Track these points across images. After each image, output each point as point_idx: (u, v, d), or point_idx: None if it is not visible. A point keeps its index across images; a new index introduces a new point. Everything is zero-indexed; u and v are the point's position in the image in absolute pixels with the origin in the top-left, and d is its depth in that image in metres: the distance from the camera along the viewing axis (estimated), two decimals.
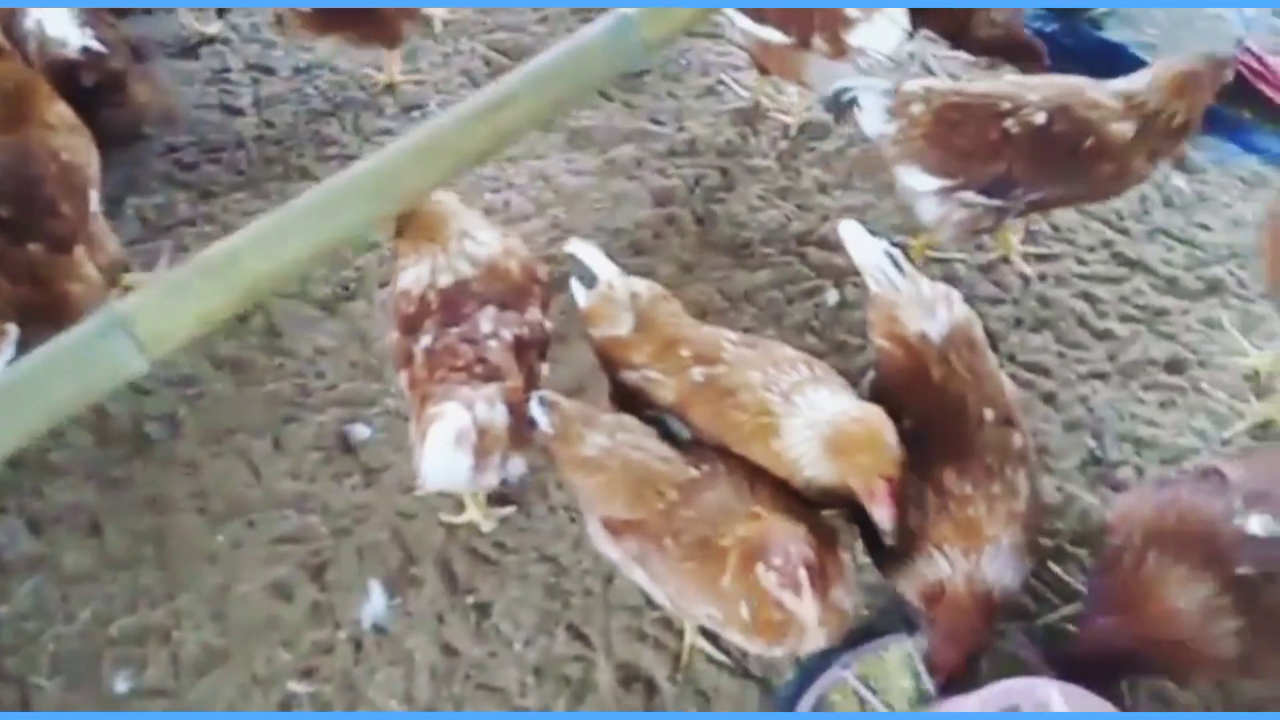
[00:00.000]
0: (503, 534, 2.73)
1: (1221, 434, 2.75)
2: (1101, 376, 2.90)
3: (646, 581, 2.16)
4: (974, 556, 2.02)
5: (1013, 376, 2.44)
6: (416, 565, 2.68)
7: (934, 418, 2.11)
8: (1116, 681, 1.89)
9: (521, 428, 2.20)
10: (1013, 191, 2.69)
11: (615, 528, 2.13)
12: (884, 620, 2.54)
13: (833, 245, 3.07)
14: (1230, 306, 2.99)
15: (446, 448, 2.01)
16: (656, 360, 2.25)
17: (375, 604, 2.60)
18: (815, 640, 1.98)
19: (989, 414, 2.10)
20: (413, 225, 2.32)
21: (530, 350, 2.31)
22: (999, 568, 2.03)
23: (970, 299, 2.36)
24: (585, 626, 2.59)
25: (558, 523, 2.73)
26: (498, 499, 2.78)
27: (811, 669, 2.30)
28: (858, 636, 2.29)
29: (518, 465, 2.30)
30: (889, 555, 2.17)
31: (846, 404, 2.05)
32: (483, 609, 2.62)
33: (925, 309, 2.20)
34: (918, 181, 2.78)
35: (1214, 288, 3.03)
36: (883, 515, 1.95)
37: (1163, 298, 3.03)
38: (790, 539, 1.90)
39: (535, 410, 2.15)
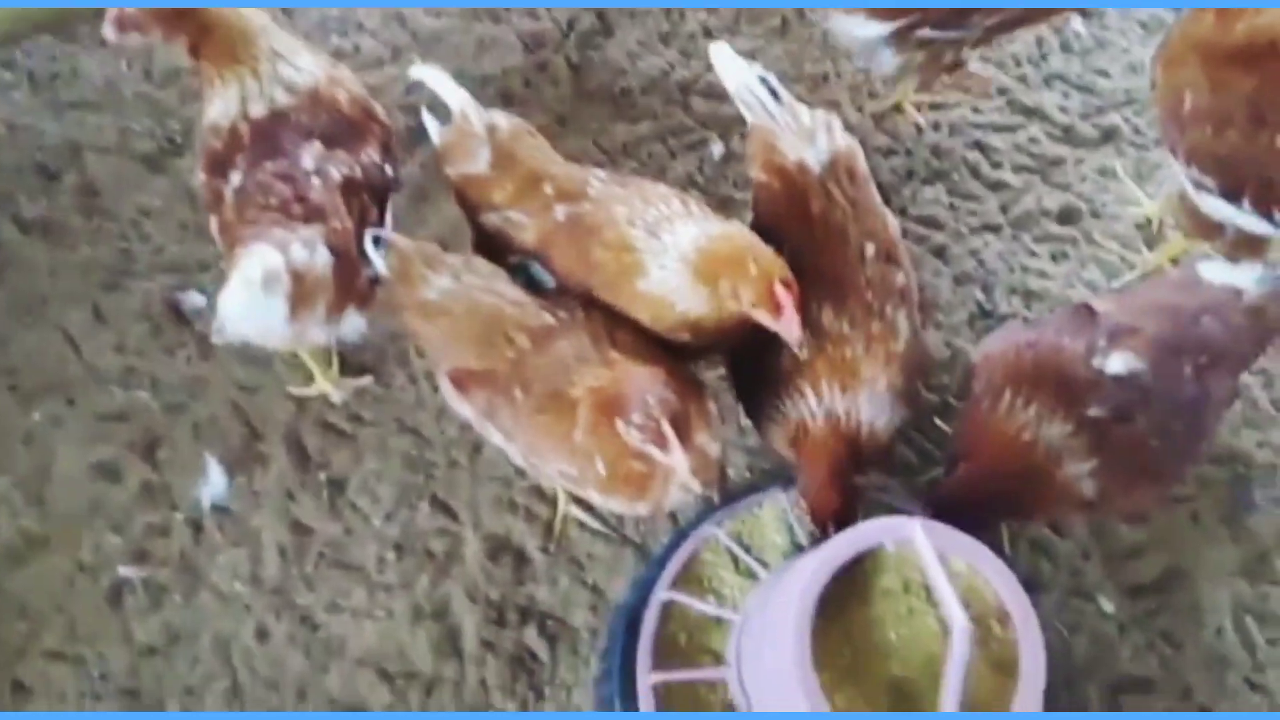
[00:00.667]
0: (359, 406, 2.52)
1: (1111, 284, 2.68)
2: (993, 229, 2.80)
3: (501, 440, 1.98)
4: (847, 396, 1.89)
5: (904, 232, 2.31)
6: (262, 442, 2.46)
7: (812, 252, 1.95)
8: (980, 524, 1.81)
9: (354, 278, 1.96)
10: (970, 19, 2.46)
11: (463, 381, 1.94)
12: (765, 481, 2.44)
13: (719, 94, 2.84)
14: (1125, 154, 2.90)
15: (251, 290, 1.76)
16: (517, 199, 2.03)
17: (215, 483, 2.39)
18: (683, 493, 1.85)
19: (870, 249, 1.96)
20: (210, 42, 2.00)
21: (363, 193, 2.06)
22: (872, 410, 1.91)
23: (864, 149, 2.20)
24: (450, 499, 2.43)
25: (419, 392, 2.53)
26: (353, 369, 2.56)
27: (687, 530, 2.18)
28: (736, 498, 2.17)
29: (355, 323, 2.08)
30: (762, 403, 2.03)
31: (707, 226, 1.87)
32: (337, 485, 2.42)
33: (804, 137, 2.01)
34: (865, 29, 2.51)
35: (1110, 135, 2.93)
36: (788, 325, 1.78)
37: (1058, 146, 2.91)
38: (648, 387, 1.74)
39: (370, 249, 1.91)
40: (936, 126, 2.95)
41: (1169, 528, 2.40)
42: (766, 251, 1.79)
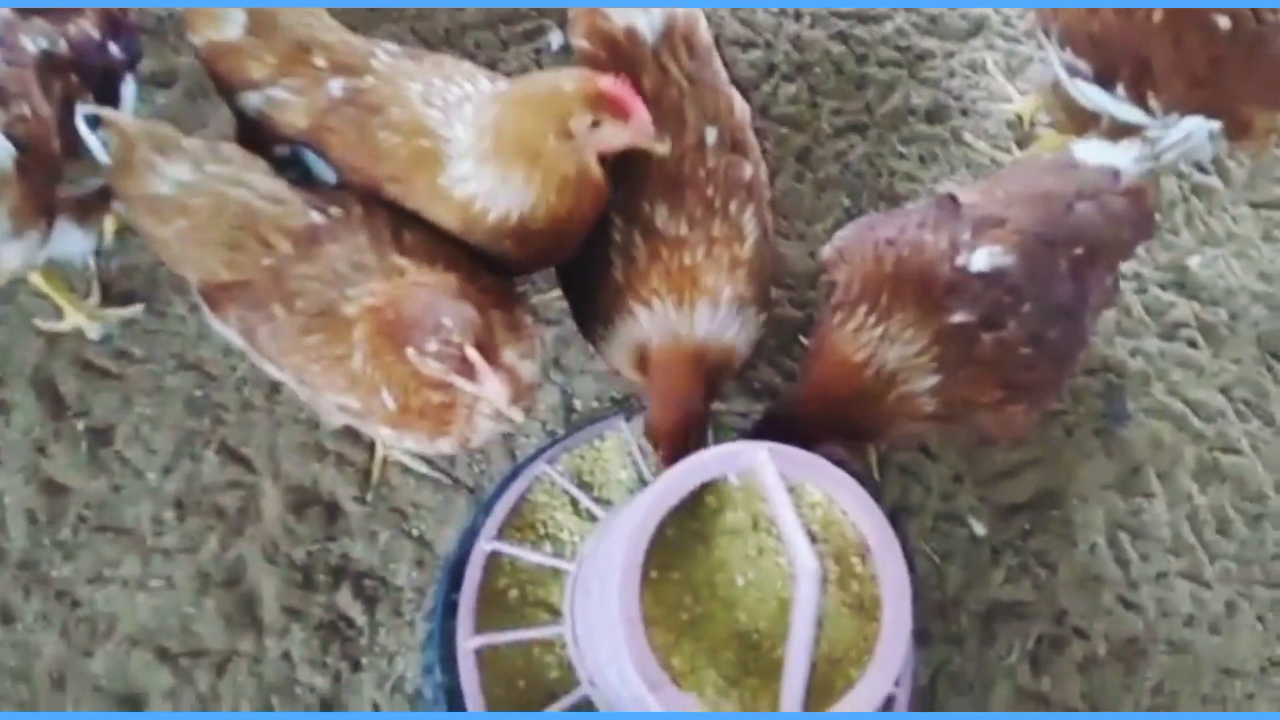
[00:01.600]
0: (126, 341, 2.12)
1: None
2: (859, 129, 2.57)
3: (273, 370, 1.65)
4: (686, 310, 1.63)
5: (760, 134, 2.04)
6: (2, 387, 2.04)
7: None
8: (819, 445, 1.61)
9: (52, 178, 1.57)
10: None
11: (213, 295, 1.58)
12: (612, 412, 2.18)
13: None
14: (995, 47, 2.71)
15: None
16: (282, 73, 1.66)
17: None
18: (495, 424, 1.56)
19: (711, 135, 1.68)
20: None
21: (70, 73, 1.64)
22: (717, 323, 1.66)
23: (717, 42, 1.90)
24: (243, 446, 2.08)
25: (201, 322, 2.14)
26: (118, 298, 2.15)
27: (519, 470, 1.90)
28: (577, 430, 1.90)
29: (73, 238, 1.68)
30: (599, 322, 1.76)
31: (503, 85, 1.57)
32: (99, 434, 2.04)
33: None
34: None
35: (979, 27, 2.73)
36: (639, 129, 1.50)
37: (926, 39, 2.70)
38: (443, 303, 1.43)
39: (83, 132, 1.52)
40: (798, 16, 2.68)
41: (1042, 444, 2.27)
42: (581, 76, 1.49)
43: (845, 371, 1.67)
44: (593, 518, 1.81)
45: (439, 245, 1.56)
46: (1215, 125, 1.79)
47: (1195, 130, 1.76)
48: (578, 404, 2.22)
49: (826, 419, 1.69)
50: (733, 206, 1.66)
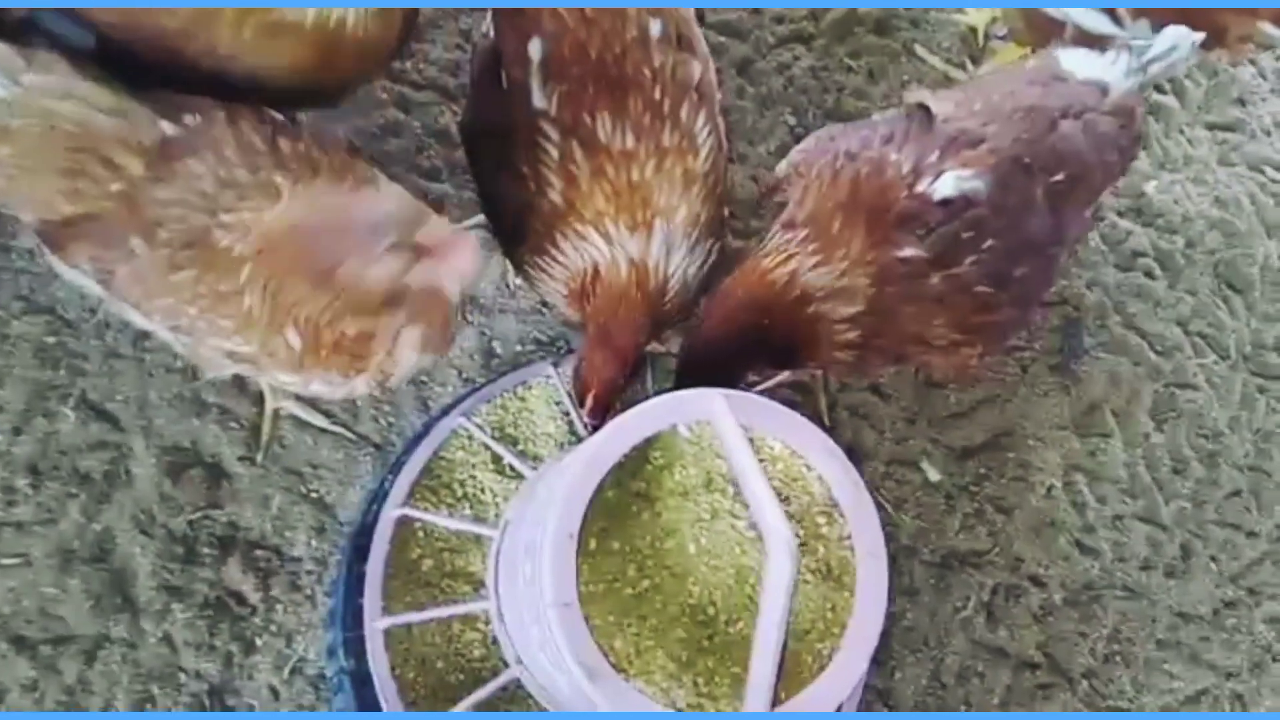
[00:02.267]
0: None
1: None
2: (804, 39, 2.35)
3: (135, 315, 1.38)
4: (641, 234, 1.42)
5: None
6: None
7: (576, 36, 1.43)
8: (729, 376, 1.44)
9: None
10: None
11: (55, 236, 1.31)
12: (536, 356, 1.97)
13: None
14: None
15: None
16: None
17: None
18: (418, 355, 1.35)
19: (655, 27, 1.45)
20: None
21: None
22: (672, 249, 1.46)
23: None
24: (109, 401, 1.80)
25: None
26: None
27: (435, 422, 1.68)
28: (497, 377, 1.69)
29: None
30: (530, 249, 1.53)
31: None
32: None
33: None
34: None
35: None
36: None
37: None
38: (359, 199, 1.20)
39: None
40: None
41: (996, 382, 2.14)
42: None
43: (755, 283, 1.48)
44: (518, 476, 1.61)
45: (317, 147, 1.30)
46: (1199, 35, 1.64)
47: (1180, 40, 1.60)
48: (498, 347, 1.99)
49: (740, 340, 1.50)
50: (683, 112, 1.45)
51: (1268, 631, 2.09)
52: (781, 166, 1.59)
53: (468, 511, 1.60)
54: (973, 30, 2.41)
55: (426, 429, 1.64)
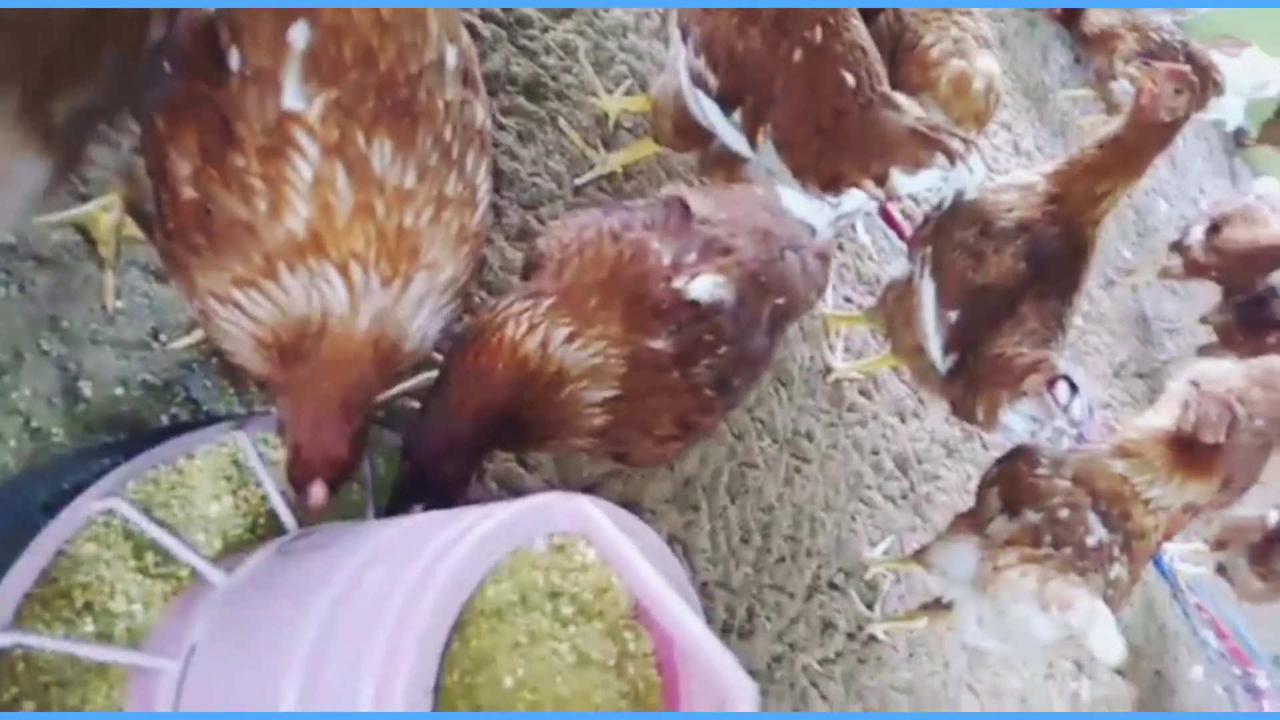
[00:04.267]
0: None
1: (575, 181, 2.37)
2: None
3: None
4: (394, 287, 1.20)
5: None
6: None
7: (363, 45, 1.17)
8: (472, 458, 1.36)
9: None
10: None
11: None
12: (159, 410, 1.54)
13: None
14: (586, 35, 2.59)
15: None
16: None
17: None
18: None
19: (451, 57, 1.25)
20: None
21: None
22: (425, 312, 1.26)
23: None
24: None
25: None
26: None
27: (45, 502, 1.20)
28: (139, 443, 1.27)
29: None
30: (217, 262, 1.19)
31: None
32: None
33: None
34: None
35: (569, 9, 2.58)
36: None
37: (525, 3, 2.46)
38: None
39: None
40: None
41: None
42: None
43: (509, 358, 1.39)
44: (169, 577, 1.22)
45: None
46: (873, 201, 1.94)
47: (861, 202, 1.88)
48: (86, 389, 1.51)
49: (496, 421, 1.38)
50: (469, 159, 1.26)
51: (803, 678, 2.47)
52: (541, 240, 1.48)
53: (90, 628, 1.17)
54: (606, 116, 2.51)
55: (43, 510, 1.16)
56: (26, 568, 1.10)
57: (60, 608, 1.15)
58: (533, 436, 1.42)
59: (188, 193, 1.16)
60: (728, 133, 2.14)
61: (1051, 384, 2.17)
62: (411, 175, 1.18)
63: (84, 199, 1.57)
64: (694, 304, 1.47)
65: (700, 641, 0.90)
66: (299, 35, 1.13)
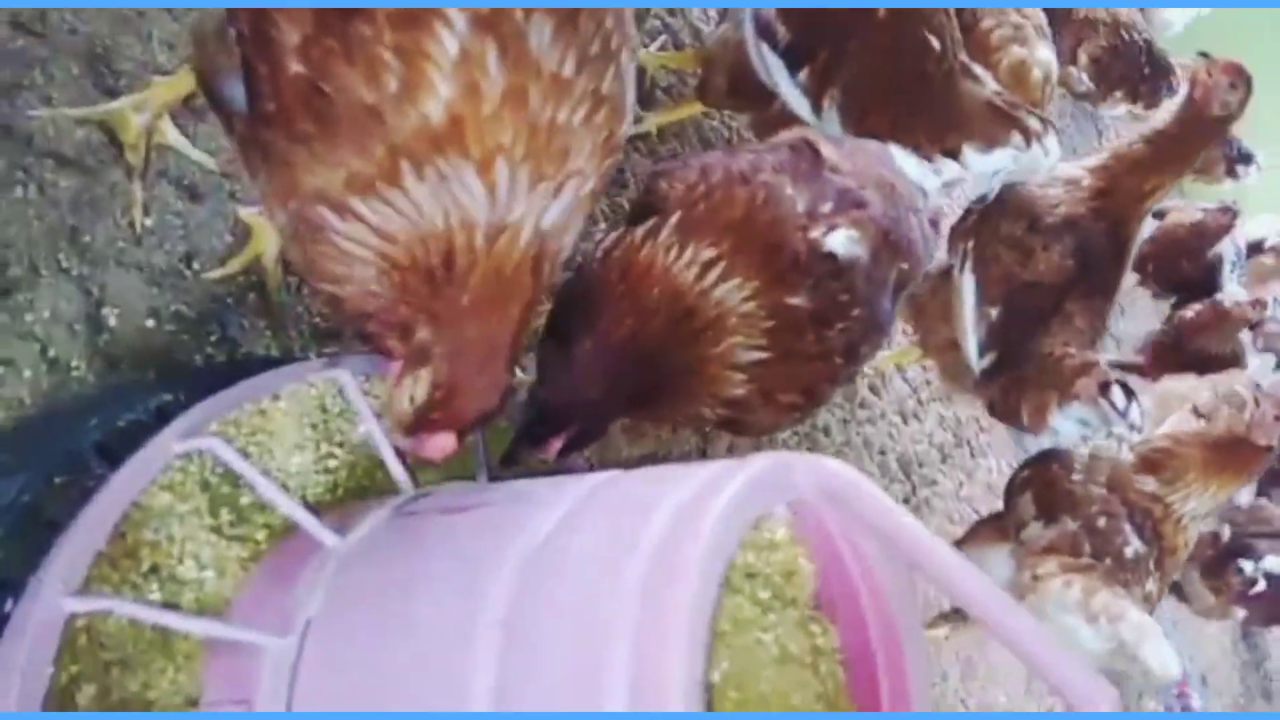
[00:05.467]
0: None
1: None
2: None
3: None
4: (543, 193, 1.04)
5: None
6: None
7: None
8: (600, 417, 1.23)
9: None
10: None
11: None
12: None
13: None
14: None
15: None
16: None
17: None
18: None
19: None
20: None
21: None
22: (569, 226, 1.10)
23: None
24: None
25: None
26: None
27: (48, 436, 0.99)
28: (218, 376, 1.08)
29: None
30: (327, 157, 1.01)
31: None
32: None
33: None
34: None
35: None
36: None
37: None
38: None
39: None
40: None
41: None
42: None
43: (667, 283, 1.26)
44: (245, 540, 1.03)
45: None
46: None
47: (959, 173, 1.81)
48: (111, 318, 1.29)
49: (640, 352, 1.25)
50: (624, 58, 1.10)
51: None
52: (661, 183, 1.34)
53: (155, 596, 0.97)
54: (643, 70, 2.38)
55: (70, 457, 0.95)
56: (98, 519, 0.90)
57: (128, 569, 0.94)
58: (666, 393, 1.28)
59: (295, 67, 0.97)
60: (791, 93, 2.02)
61: (1105, 388, 2.14)
62: (571, 62, 1.02)
63: (112, 95, 1.35)
64: (831, 257, 1.35)
65: (1037, 641, 0.76)
66: None
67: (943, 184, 1.80)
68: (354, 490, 1.14)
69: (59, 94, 1.30)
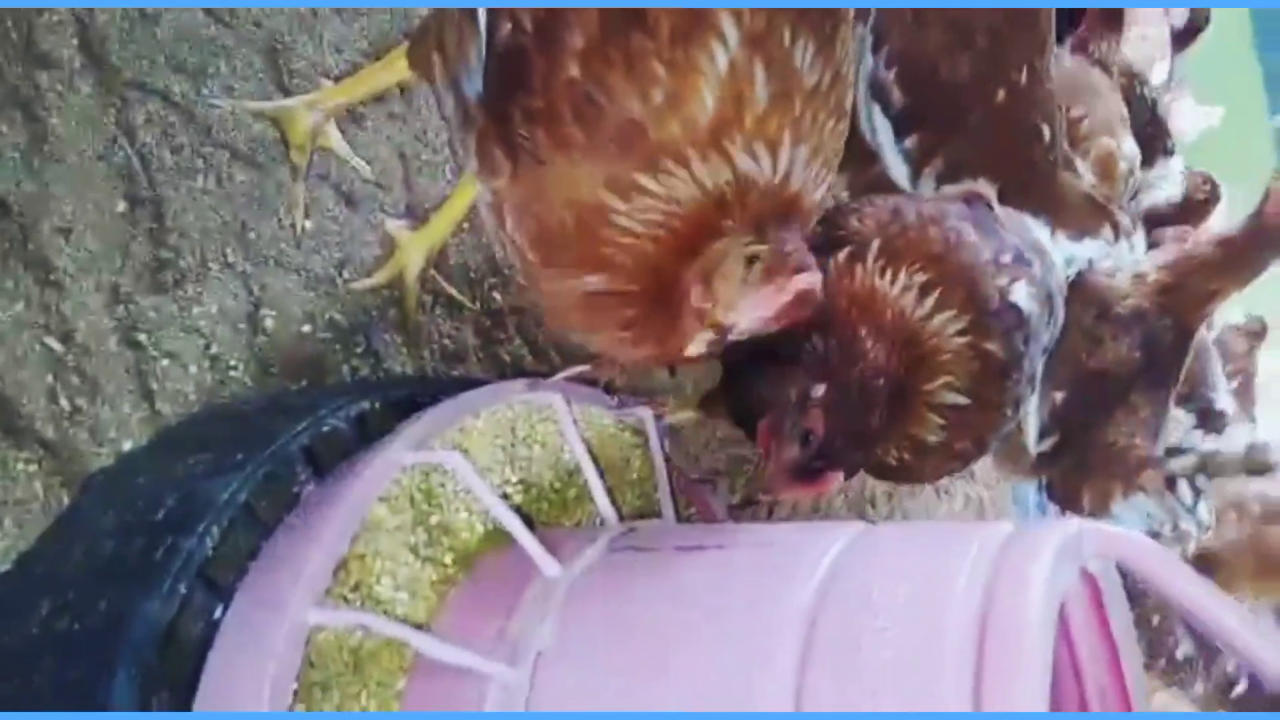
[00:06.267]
0: None
1: None
2: None
3: None
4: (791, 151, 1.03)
5: None
6: None
7: None
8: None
9: None
10: None
11: None
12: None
13: None
14: None
15: None
16: None
17: None
18: None
19: None
20: None
21: None
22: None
23: None
24: None
25: None
26: None
27: (255, 439, 0.96)
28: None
29: None
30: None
31: None
32: None
33: None
34: None
35: None
36: None
37: None
38: None
39: None
40: None
41: None
42: None
43: (898, 317, 1.26)
44: (438, 562, 1.00)
45: None
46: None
47: (1094, 252, 1.87)
48: (268, 320, 1.26)
49: (885, 400, 1.24)
50: (851, 76, 1.12)
51: None
52: (852, 220, 1.36)
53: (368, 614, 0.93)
54: None
55: (282, 462, 0.92)
56: (341, 526, 0.86)
57: (341, 581, 0.91)
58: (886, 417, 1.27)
59: (573, 71, 0.97)
60: (893, 158, 2.06)
61: (1171, 483, 2.18)
62: (828, 78, 1.04)
63: (286, 92, 1.34)
64: (1015, 309, 1.36)
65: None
66: None
67: (1073, 257, 1.84)
68: (527, 520, 1.11)
69: (240, 86, 1.28)
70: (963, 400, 1.30)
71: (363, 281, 1.38)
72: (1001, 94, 1.94)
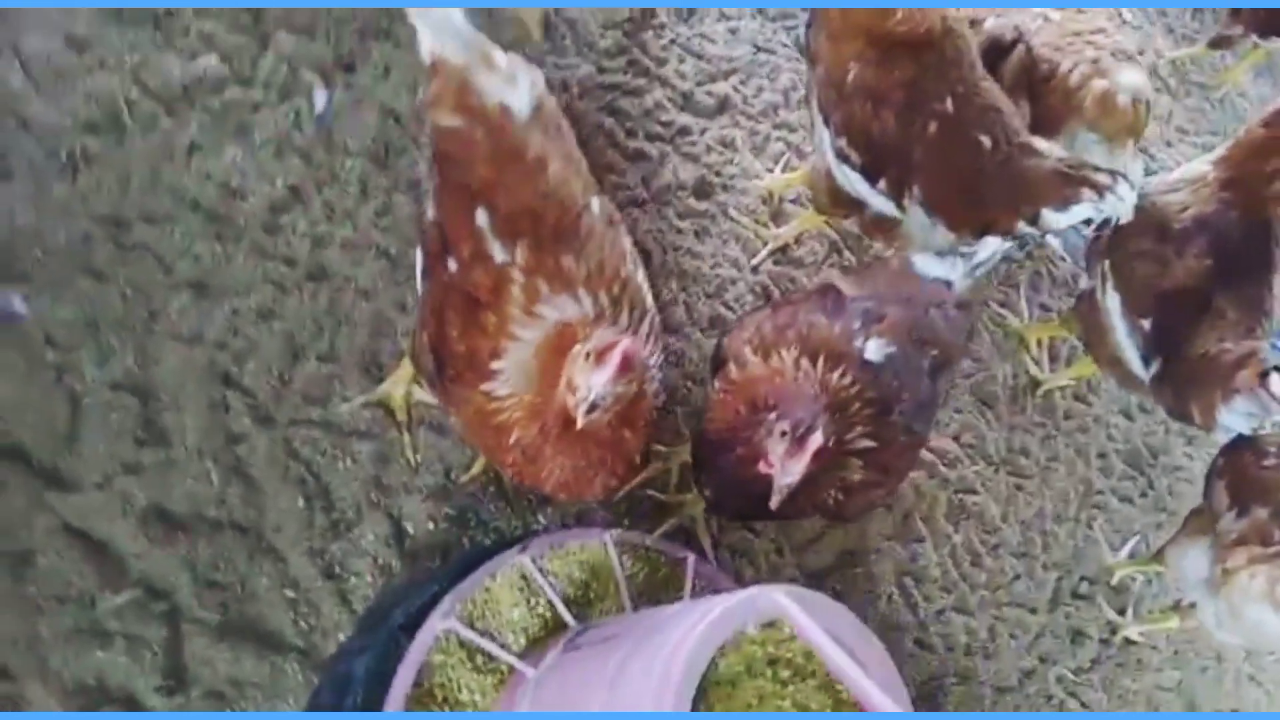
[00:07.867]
0: None
1: (751, 262, 2.76)
2: (637, 203, 2.70)
3: None
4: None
5: None
6: None
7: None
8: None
9: None
10: None
11: None
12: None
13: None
14: (740, 125, 2.98)
15: None
16: None
17: None
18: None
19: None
20: None
21: None
22: None
23: None
24: None
25: None
26: None
27: (378, 624, 1.74)
28: (455, 567, 1.80)
29: None
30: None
31: None
32: None
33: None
34: None
35: (724, 106, 2.98)
36: None
37: (681, 115, 2.89)
38: None
39: None
40: (565, 86, 2.74)
41: None
42: None
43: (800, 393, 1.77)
44: (493, 671, 1.73)
45: None
46: (1010, 243, 2.21)
47: (996, 247, 2.16)
48: (410, 528, 2.08)
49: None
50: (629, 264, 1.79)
51: (1059, 689, 2.69)
52: (726, 341, 1.92)
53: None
54: (770, 194, 2.89)
55: (395, 633, 1.71)
56: (406, 675, 1.64)
57: (428, 704, 1.67)
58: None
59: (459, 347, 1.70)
60: (876, 200, 2.44)
61: (1263, 377, 2.27)
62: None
63: (378, 381, 2.16)
64: (870, 363, 1.82)
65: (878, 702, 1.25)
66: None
67: (975, 265, 2.14)
68: (556, 625, 1.80)
69: (350, 391, 2.13)
70: (870, 444, 1.77)
71: (465, 475, 2.16)
72: (933, 126, 2.28)
